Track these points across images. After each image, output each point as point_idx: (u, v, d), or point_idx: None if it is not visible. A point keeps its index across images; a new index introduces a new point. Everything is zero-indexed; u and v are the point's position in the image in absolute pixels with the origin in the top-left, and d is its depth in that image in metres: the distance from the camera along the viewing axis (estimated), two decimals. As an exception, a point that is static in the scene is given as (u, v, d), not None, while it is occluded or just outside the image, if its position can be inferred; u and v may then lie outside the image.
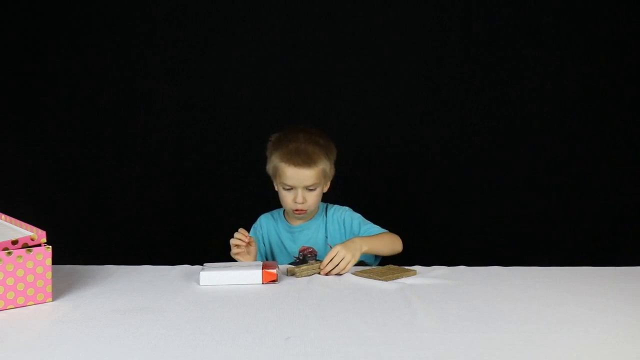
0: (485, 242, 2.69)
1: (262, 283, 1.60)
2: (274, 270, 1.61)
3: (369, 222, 1.92)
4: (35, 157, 2.64)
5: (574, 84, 2.67)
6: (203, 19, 2.63)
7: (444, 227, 2.73)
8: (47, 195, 2.65)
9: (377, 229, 1.90)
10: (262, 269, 1.61)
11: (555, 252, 2.68)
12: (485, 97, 2.68)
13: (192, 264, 1.76)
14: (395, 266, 1.72)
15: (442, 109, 2.69)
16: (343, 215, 1.94)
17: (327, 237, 1.93)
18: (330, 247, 1.86)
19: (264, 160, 2.68)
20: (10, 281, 1.38)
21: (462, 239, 2.71)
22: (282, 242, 1.95)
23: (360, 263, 1.83)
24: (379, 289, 1.56)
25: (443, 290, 1.56)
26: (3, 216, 1.63)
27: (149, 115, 2.67)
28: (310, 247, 1.92)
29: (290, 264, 1.87)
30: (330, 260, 1.66)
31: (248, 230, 1.92)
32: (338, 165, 2.62)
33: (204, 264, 1.67)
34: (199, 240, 2.69)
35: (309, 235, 1.94)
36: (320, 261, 1.69)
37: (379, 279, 1.62)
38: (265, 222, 1.98)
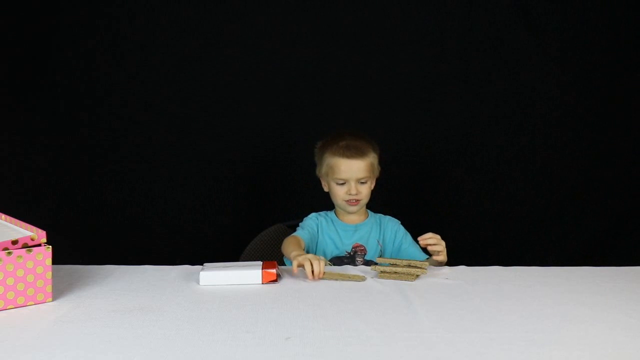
0: (485, 242, 2.69)
1: (262, 283, 1.60)
2: (274, 270, 1.61)
3: (417, 245, 1.97)
4: (35, 157, 2.64)
5: (574, 85, 2.67)
6: (204, 17, 2.63)
7: (444, 227, 2.71)
8: (47, 195, 2.65)
9: (414, 249, 1.99)
10: (262, 269, 1.61)
11: (555, 252, 2.68)
12: (485, 98, 2.68)
13: (192, 264, 1.76)
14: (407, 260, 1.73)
15: (442, 109, 2.69)
16: (396, 226, 2.06)
17: (379, 239, 2.02)
18: (381, 245, 2.00)
19: (264, 160, 2.71)
20: (10, 281, 1.38)
21: (462, 239, 2.71)
22: (340, 238, 2.01)
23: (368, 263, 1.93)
24: (379, 289, 1.56)
25: (443, 290, 1.56)
26: (3, 216, 1.63)
27: (149, 115, 2.66)
28: (361, 245, 2.00)
29: (337, 257, 1.96)
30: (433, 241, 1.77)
31: (300, 219, 2.06)
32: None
33: (204, 264, 1.67)
34: (199, 240, 2.69)
35: (362, 233, 2.02)
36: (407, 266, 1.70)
37: (408, 279, 1.63)
38: (319, 220, 2.05)
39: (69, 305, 1.42)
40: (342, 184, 1.96)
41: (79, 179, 2.67)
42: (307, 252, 1.96)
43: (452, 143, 2.70)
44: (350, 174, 1.94)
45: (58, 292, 1.49)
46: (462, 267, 1.76)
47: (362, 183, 1.96)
